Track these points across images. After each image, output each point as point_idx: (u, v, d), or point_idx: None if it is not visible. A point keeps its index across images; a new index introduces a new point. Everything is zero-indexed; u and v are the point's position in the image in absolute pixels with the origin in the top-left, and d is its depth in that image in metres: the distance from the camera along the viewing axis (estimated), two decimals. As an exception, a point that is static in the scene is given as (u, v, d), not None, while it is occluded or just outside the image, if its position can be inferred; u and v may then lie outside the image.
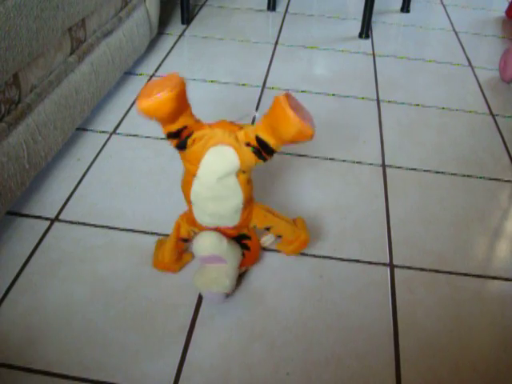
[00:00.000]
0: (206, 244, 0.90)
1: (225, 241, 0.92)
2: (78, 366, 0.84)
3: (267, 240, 1.04)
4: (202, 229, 0.94)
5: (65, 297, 0.94)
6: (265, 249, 1.06)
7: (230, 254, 0.92)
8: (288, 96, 0.79)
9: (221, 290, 0.91)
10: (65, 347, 0.86)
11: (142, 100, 0.77)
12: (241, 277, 1.00)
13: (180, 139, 0.84)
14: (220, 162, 0.84)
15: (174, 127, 0.83)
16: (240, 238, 0.97)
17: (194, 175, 0.87)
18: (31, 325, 0.89)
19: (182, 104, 0.80)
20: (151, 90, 0.78)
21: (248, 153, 0.84)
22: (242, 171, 0.87)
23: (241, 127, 0.86)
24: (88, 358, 0.85)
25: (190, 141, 0.84)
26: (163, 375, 0.83)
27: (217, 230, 0.93)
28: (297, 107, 0.79)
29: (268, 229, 0.98)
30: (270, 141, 0.83)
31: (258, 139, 0.83)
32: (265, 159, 0.85)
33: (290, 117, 0.77)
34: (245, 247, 0.97)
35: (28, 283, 0.96)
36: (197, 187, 0.88)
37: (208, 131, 0.85)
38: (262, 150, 0.84)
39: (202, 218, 0.92)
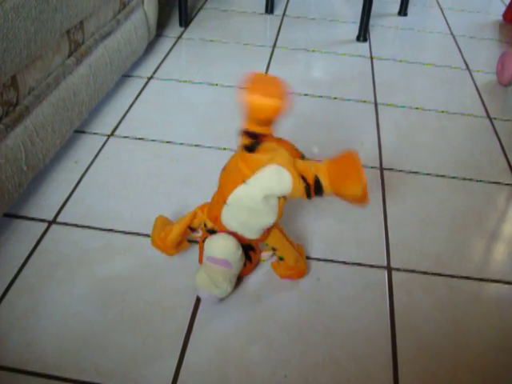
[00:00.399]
0: (223, 248, 0.91)
1: (240, 250, 0.93)
2: (76, 368, 0.84)
3: (266, 256, 1.04)
4: (221, 228, 0.94)
5: (62, 299, 0.94)
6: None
7: (238, 262, 0.93)
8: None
9: (219, 295, 0.91)
10: (62, 349, 0.86)
11: (257, 96, 0.79)
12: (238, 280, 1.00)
13: (255, 141, 0.85)
14: (275, 182, 0.84)
15: (259, 129, 0.84)
16: (247, 248, 0.97)
17: (243, 180, 0.86)
18: (28, 327, 0.89)
19: (281, 114, 0.82)
20: (265, 87, 0.80)
21: (300, 186, 0.84)
22: (284, 197, 0.87)
23: (301, 155, 0.87)
24: (85, 361, 0.85)
25: (260, 147, 0.85)
26: (161, 377, 0.83)
27: (234, 234, 0.93)
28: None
29: (275, 249, 0.99)
30: (326, 186, 0.83)
31: (317, 180, 0.83)
32: (310, 197, 0.85)
33: (361, 178, 0.79)
34: (248, 258, 0.98)
35: (25, 285, 0.96)
36: (241, 192, 0.86)
37: (277, 147, 0.85)
38: (314, 189, 0.84)
39: (229, 221, 0.91)
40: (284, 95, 0.80)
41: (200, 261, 1.02)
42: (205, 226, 0.97)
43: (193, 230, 1.00)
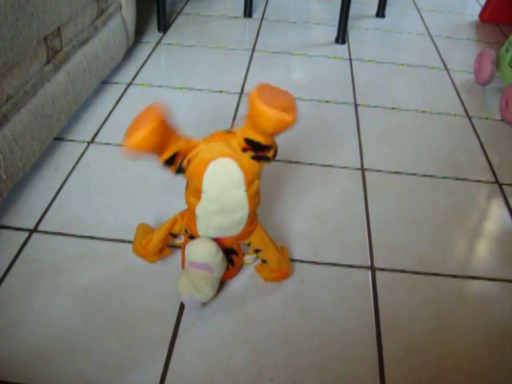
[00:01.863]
0: (202, 252, 0.90)
1: (221, 253, 0.92)
2: (60, 376, 0.83)
3: (250, 259, 1.04)
4: (197, 236, 0.94)
5: (46, 308, 0.93)
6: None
7: (219, 265, 0.92)
8: (261, 88, 0.79)
9: (202, 299, 0.91)
10: (46, 358, 0.85)
11: (127, 139, 0.78)
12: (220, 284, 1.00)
13: (176, 165, 0.84)
14: (222, 175, 0.84)
15: (166, 156, 0.83)
16: (229, 252, 0.97)
17: (199, 191, 0.86)
18: (11, 336, 0.88)
19: (166, 132, 0.80)
20: (135, 126, 0.78)
21: (247, 160, 0.84)
22: (250, 181, 0.86)
23: (233, 134, 0.85)
24: (70, 369, 0.84)
25: (185, 163, 0.84)
26: (146, 384, 0.83)
27: (217, 239, 0.93)
28: (272, 96, 0.78)
29: (258, 251, 0.99)
30: (259, 138, 0.82)
31: (248, 140, 0.82)
32: (267, 159, 0.85)
33: (264, 111, 0.76)
34: (231, 262, 0.97)
35: (8, 295, 0.95)
36: (203, 201, 0.87)
37: (202, 147, 0.84)
38: (257, 150, 0.83)
39: (205, 231, 0.92)
40: (146, 122, 0.79)
41: (183, 266, 1.01)
42: (186, 231, 0.97)
43: (174, 236, 0.99)
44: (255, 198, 0.89)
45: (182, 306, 0.95)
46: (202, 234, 0.93)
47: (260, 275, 1.02)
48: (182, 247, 1.00)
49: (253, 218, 0.93)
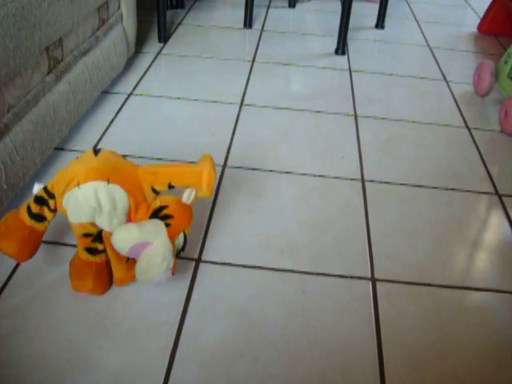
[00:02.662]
0: (123, 237, 0.87)
1: (141, 225, 0.88)
2: (60, 388, 0.83)
3: (187, 196, 0.94)
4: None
5: (46, 318, 0.93)
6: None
7: (150, 233, 0.88)
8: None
9: (160, 271, 0.88)
10: (46, 369, 0.85)
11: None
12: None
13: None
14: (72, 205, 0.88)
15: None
16: (156, 214, 0.92)
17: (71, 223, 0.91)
18: (11, 347, 0.88)
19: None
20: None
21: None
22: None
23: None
24: (70, 380, 0.84)
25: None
26: (147, 395, 0.83)
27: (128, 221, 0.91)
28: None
29: (171, 186, 0.92)
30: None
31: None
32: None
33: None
34: (166, 217, 0.91)
35: (8, 305, 0.95)
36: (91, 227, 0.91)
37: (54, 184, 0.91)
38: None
39: (117, 244, 0.91)
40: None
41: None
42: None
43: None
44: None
45: (182, 317, 0.95)
46: (117, 248, 0.90)
47: (203, 196, 0.94)
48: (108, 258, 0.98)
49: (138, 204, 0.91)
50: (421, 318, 0.99)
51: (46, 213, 0.92)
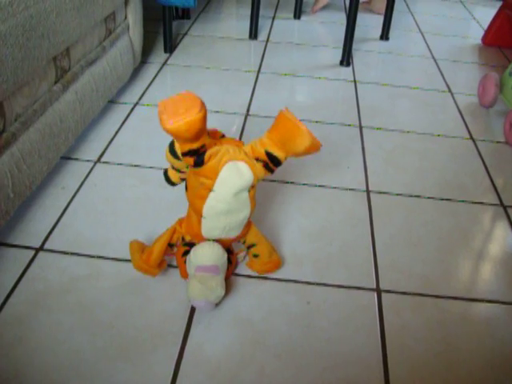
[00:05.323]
0: (211, 255, 0.94)
1: (225, 253, 0.96)
2: (65, 397, 0.83)
3: (241, 257, 1.08)
4: (200, 240, 0.97)
5: (50, 328, 0.93)
6: (250, 275, 1.06)
7: (224, 265, 0.97)
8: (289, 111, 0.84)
9: (215, 300, 0.93)
10: (51, 379, 0.85)
11: (169, 120, 0.77)
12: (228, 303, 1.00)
13: (198, 156, 0.85)
14: (237, 177, 0.87)
15: (195, 145, 0.84)
16: (226, 253, 0.99)
17: (210, 189, 0.88)
18: (16, 356, 0.88)
19: (205, 123, 0.82)
20: (175, 109, 0.78)
21: (259, 167, 0.88)
22: (253, 185, 0.90)
23: (242, 143, 0.91)
24: (75, 390, 0.84)
25: (206, 157, 0.85)
26: (152, 405, 0.82)
27: (218, 241, 0.97)
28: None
29: (251, 246, 1.03)
30: (279, 154, 0.87)
31: (269, 154, 0.87)
32: (273, 171, 0.89)
33: (303, 130, 0.81)
34: (228, 261, 1.00)
35: (13, 314, 0.95)
36: (212, 201, 0.89)
37: (220, 147, 0.87)
38: (271, 163, 0.87)
39: (210, 232, 0.94)
40: (193, 107, 0.78)
41: (183, 275, 1.02)
42: (183, 239, 1.00)
43: (171, 246, 1.01)
44: (254, 200, 0.93)
45: (188, 327, 0.95)
46: (205, 236, 0.95)
47: (253, 269, 1.06)
48: (177, 257, 1.03)
49: (249, 219, 0.97)
50: (426, 329, 0.99)
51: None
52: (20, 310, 0.96)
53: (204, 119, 0.79)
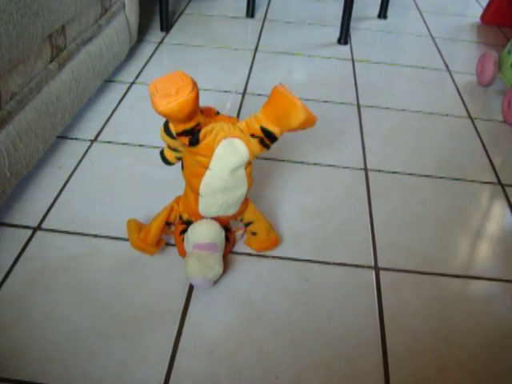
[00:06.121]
0: (209, 232, 0.94)
1: (223, 231, 0.96)
2: (64, 376, 0.82)
3: (238, 235, 1.08)
4: (198, 218, 0.97)
5: (49, 306, 0.93)
6: (250, 253, 1.06)
7: (222, 243, 0.97)
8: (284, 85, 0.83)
9: (213, 278, 0.93)
10: (50, 357, 0.85)
11: (161, 101, 0.76)
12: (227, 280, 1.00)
13: (193, 135, 0.85)
14: (232, 154, 0.87)
15: (189, 125, 0.83)
16: (224, 230, 0.99)
17: (206, 167, 0.88)
18: (15, 335, 0.88)
19: (198, 103, 0.81)
20: (166, 90, 0.77)
21: (255, 144, 0.87)
22: (249, 162, 0.90)
23: (237, 120, 0.90)
24: (74, 368, 0.84)
25: (201, 135, 0.85)
26: (152, 382, 0.82)
27: (216, 219, 0.97)
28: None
29: (248, 224, 1.03)
30: (275, 130, 0.86)
31: (264, 130, 0.86)
32: (268, 147, 0.89)
33: (298, 105, 0.81)
34: (226, 239, 1.01)
35: (11, 293, 0.95)
36: (208, 179, 0.89)
37: (215, 125, 0.86)
38: (267, 139, 0.87)
39: (208, 209, 0.94)
40: (185, 87, 0.77)
41: (181, 253, 1.02)
42: (180, 218, 1.00)
43: (169, 224, 1.01)
44: (251, 177, 0.93)
45: (186, 305, 0.95)
46: (203, 214, 0.95)
47: (251, 247, 1.07)
48: (175, 235, 1.03)
49: (246, 196, 0.98)
50: (424, 306, 0.99)
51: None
52: (18, 290, 0.96)
53: (196, 99, 0.78)
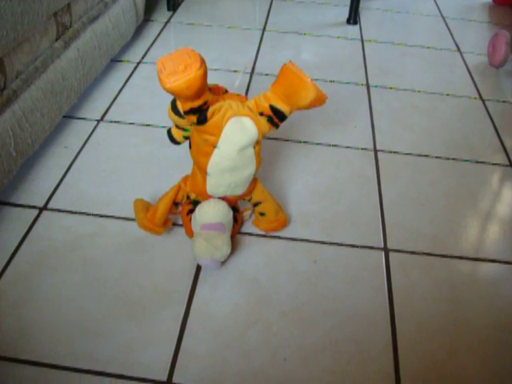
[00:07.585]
0: (216, 212, 0.93)
1: (231, 211, 0.95)
2: (70, 356, 0.82)
3: (246, 216, 1.08)
4: (205, 197, 0.96)
5: (55, 286, 0.93)
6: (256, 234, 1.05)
7: (230, 223, 0.96)
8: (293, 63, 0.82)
9: (221, 258, 0.92)
10: (56, 337, 0.85)
11: (168, 78, 0.75)
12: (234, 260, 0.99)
13: (201, 113, 0.83)
14: (241, 132, 0.85)
15: (197, 103, 0.82)
16: (232, 211, 0.99)
17: (214, 146, 0.87)
18: (22, 315, 0.87)
19: (206, 80, 0.79)
20: (174, 67, 0.76)
21: (264, 122, 0.86)
22: (258, 141, 0.89)
23: (246, 98, 0.89)
24: (80, 348, 0.83)
25: (209, 113, 0.84)
26: (158, 363, 0.82)
27: (223, 198, 0.96)
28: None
29: (257, 204, 1.01)
30: (284, 108, 0.85)
31: (273, 108, 0.85)
32: (278, 126, 0.87)
33: (308, 83, 0.80)
34: (234, 219, 1.00)
35: (17, 273, 0.94)
36: (216, 158, 0.88)
37: (223, 103, 0.85)
38: (276, 117, 0.86)
39: (215, 189, 0.93)
40: (193, 64, 0.75)
41: (188, 233, 1.01)
42: (188, 198, 0.99)
43: (176, 204, 1.00)
44: (259, 156, 0.92)
45: (193, 285, 0.94)
46: (210, 193, 0.94)
47: (260, 228, 1.06)
48: (182, 215, 1.02)
49: (254, 176, 0.96)
50: (433, 288, 0.98)
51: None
52: (24, 269, 0.95)
53: (204, 76, 0.77)
